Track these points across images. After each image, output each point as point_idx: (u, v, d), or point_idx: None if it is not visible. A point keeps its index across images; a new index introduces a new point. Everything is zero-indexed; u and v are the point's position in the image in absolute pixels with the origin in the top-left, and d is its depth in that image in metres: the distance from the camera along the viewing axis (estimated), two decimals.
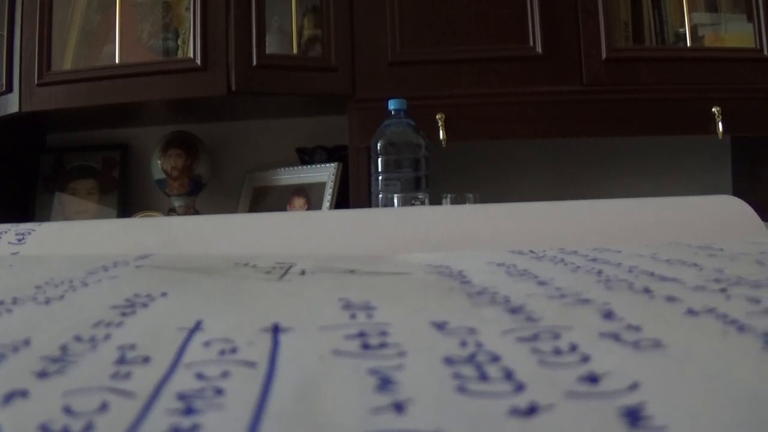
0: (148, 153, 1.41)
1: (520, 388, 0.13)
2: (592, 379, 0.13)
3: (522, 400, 0.12)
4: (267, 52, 1.22)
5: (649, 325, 0.16)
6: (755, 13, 1.23)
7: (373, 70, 1.22)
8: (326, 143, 1.39)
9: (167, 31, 1.30)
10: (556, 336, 0.16)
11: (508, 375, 0.13)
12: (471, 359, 0.14)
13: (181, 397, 0.12)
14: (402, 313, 0.19)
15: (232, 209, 1.40)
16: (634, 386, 0.12)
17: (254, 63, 1.20)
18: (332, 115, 1.41)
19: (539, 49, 1.20)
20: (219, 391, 0.13)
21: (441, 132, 1.17)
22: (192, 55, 1.21)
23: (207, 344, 0.16)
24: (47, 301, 0.22)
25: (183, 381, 0.13)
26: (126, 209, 1.41)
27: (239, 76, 1.20)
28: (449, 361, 0.14)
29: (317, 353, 0.15)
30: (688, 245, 0.32)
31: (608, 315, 0.18)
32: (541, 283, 0.23)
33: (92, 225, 0.44)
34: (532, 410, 0.12)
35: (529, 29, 1.21)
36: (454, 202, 0.91)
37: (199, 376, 0.14)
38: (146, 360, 0.15)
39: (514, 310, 0.19)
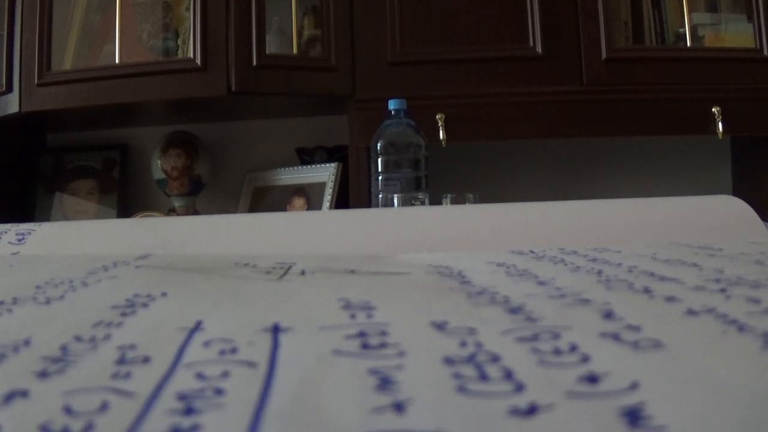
0: (148, 153, 1.41)
1: (519, 388, 0.13)
2: (592, 379, 0.13)
3: (522, 400, 0.12)
4: (267, 52, 1.22)
5: (649, 325, 0.16)
6: (755, 13, 1.23)
7: (373, 70, 1.22)
8: (326, 143, 1.39)
9: (167, 31, 1.30)
10: (556, 336, 0.16)
11: (508, 375, 0.13)
12: (471, 359, 0.14)
13: (181, 397, 0.12)
14: (402, 313, 0.19)
15: (232, 209, 1.40)
16: (633, 386, 0.12)
17: (254, 63, 1.20)
18: (332, 115, 1.41)
19: (539, 49, 1.20)
20: (219, 391, 0.13)
21: (441, 132, 1.17)
22: (192, 55, 1.21)
23: (207, 344, 0.16)
24: (47, 301, 0.22)
25: (183, 381, 0.13)
26: (126, 209, 1.41)
27: (239, 76, 1.20)
28: (449, 361, 0.14)
29: (317, 353, 0.15)
30: (687, 245, 0.32)
31: (608, 315, 0.18)
32: (541, 283, 0.23)
33: (92, 225, 0.44)
34: (532, 410, 0.12)
35: (529, 29, 1.21)
36: (454, 202, 0.91)
37: (199, 376, 0.14)
38: (146, 360, 0.15)
39: (514, 310, 0.19)
